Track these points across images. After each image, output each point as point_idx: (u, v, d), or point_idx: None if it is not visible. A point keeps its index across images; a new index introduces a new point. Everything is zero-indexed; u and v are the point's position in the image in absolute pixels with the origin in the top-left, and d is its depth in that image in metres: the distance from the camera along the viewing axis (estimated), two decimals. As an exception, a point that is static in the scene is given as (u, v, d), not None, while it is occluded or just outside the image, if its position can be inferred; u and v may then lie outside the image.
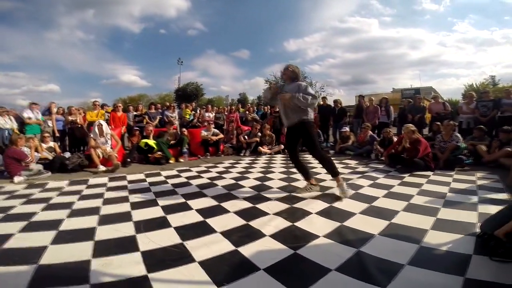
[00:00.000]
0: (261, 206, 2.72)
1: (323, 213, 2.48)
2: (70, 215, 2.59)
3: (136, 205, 2.82)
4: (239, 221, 2.33)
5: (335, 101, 8.27)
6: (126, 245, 1.94)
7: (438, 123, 5.85)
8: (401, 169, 4.36)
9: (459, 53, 70.02)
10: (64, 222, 2.40)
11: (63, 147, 6.95)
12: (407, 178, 3.79)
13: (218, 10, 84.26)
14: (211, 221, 2.34)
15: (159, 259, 1.73)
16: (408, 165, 4.31)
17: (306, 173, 3.25)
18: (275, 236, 2.03)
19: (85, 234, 2.12)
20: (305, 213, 2.48)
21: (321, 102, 8.77)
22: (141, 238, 2.05)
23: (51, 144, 5.81)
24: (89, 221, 2.40)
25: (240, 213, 2.52)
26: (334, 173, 3.03)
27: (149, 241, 2.00)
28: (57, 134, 6.91)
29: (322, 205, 2.70)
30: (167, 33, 72.83)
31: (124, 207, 2.79)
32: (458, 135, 4.92)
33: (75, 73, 71.40)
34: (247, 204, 2.79)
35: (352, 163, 5.21)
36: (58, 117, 7.08)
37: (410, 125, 4.70)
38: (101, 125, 5.32)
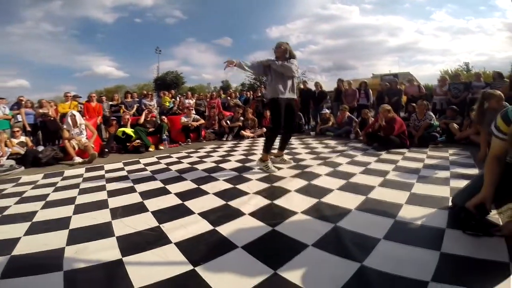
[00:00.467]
0: (242, 186, 2.71)
1: (301, 191, 2.51)
2: (44, 206, 2.50)
3: (113, 193, 2.75)
4: (219, 202, 2.32)
5: (316, 84, 8.29)
6: (101, 231, 1.90)
7: (414, 104, 6.00)
8: (378, 146, 4.47)
9: (435, 41, 71.82)
10: (38, 213, 2.32)
11: (37, 142, 6.64)
12: (384, 155, 3.89)
13: None
14: (189, 203, 2.31)
15: (134, 243, 1.70)
16: (384, 143, 4.43)
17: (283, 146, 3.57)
18: (254, 214, 2.04)
19: (60, 224, 2.06)
20: (284, 191, 2.50)
21: (302, 86, 8.76)
22: (116, 223, 2.01)
23: (23, 138, 5.52)
24: (64, 211, 2.32)
25: (220, 194, 2.51)
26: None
27: (125, 226, 1.96)
28: (28, 128, 6.59)
29: (301, 183, 2.73)
30: (143, 22, 68.50)
31: (101, 195, 2.71)
32: (431, 113, 5.10)
33: (45, 67, 65.79)
34: (227, 185, 2.77)
35: (332, 143, 5.31)
36: (28, 110, 6.72)
37: (386, 104, 4.81)
38: (74, 115, 5.08)
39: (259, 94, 8.65)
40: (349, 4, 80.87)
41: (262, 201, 2.28)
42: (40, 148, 5.40)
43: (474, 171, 2.94)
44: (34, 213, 2.32)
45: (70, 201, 2.59)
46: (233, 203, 2.26)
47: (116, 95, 8.48)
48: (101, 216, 2.17)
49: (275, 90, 3.16)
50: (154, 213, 2.17)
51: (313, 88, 8.43)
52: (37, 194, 2.90)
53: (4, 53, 58.33)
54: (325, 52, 74.59)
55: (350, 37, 75.87)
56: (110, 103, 7.71)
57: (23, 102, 7.12)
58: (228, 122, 7.00)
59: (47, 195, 2.85)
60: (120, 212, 2.23)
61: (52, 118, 6.53)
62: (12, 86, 52.39)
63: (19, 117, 6.58)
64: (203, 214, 2.08)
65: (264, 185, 2.71)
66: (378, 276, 1.27)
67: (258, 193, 2.49)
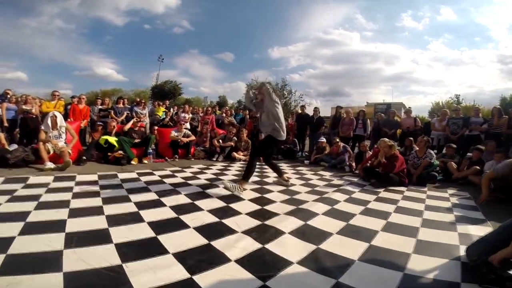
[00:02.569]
0: (229, 221, 2.34)
1: (297, 233, 2.17)
2: None
3: (75, 212, 2.33)
4: (200, 240, 1.94)
5: (315, 109, 8.10)
6: (46, 262, 1.53)
7: (411, 138, 5.88)
8: (376, 183, 4.23)
9: (429, 71, 74.29)
10: None
11: (12, 139, 6.14)
12: (383, 194, 3.67)
13: (207, 9, 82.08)
14: (164, 238, 1.92)
15: (84, 284, 1.35)
16: (383, 180, 4.20)
17: (278, 172, 3.92)
18: (241, 261, 1.68)
19: None
20: (277, 232, 2.15)
21: (299, 111, 8.62)
22: (69, 254, 1.62)
23: (-4, 134, 5.04)
24: (10, 229, 1.92)
25: (202, 230, 2.13)
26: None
27: (78, 259, 1.57)
28: (5, 124, 6.11)
29: (296, 223, 2.39)
30: (152, 29, 69.38)
31: (60, 213, 2.29)
32: (432, 152, 4.93)
33: (47, 62, 64.93)
34: (212, 218, 2.39)
35: (327, 174, 5.03)
36: (10, 106, 6.29)
37: (387, 139, 4.61)
38: (55, 116, 4.67)
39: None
40: (351, 31, 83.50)
41: (252, 245, 1.91)
42: (13, 146, 4.92)
43: (478, 214, 2.88)
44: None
45: (21, 216, 2.18)
46: (218, 244, 1.89)
47: (107, 99, 8.12)
48: (53, 242, 1.78)
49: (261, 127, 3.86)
50: (119, 246, 1.77)
51: (311, 113, 8.26)
52: (-16, 203, 2.47)
53: (12, 44, 57.75)
54: (323, 77, 76.21)
55: (349, 63, 77.97)
56: (100, 107, 7.34)
57: (8, 96, 6.71)
58: (220, 141, 6.67)
59: (-3, 205, 2.42)
60: (77, 239, 1.83)
61: (34, 116, 6.09)
62: (9, 77, 51.13)
63: (-1, 111, 6.14)
64: (180, 256, 1.69)
65: (255, 222, 2.35)
66: None
67: (248, 232, 2.12)
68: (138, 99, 8.69)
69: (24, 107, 6.11)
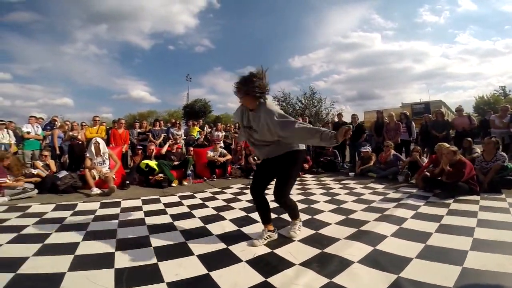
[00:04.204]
0: (281, 251, 2.07)
1: (368, 261, 1.85)
2: (38, 253, 2.06)
3: (123, 244, 2.23)
4: (255, 277, 1.70)
5: (353, 116, 7.53)
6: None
7: (469, 139, 5.25)
8: (442, 194, 3.71)
9: (463, 64, 68.71)
10: (26, 262, 1.89)
11: (61, 165, 6.51)
12: (454, 205, 3.21)
13: (224, 27, 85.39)
14: (216, 275, 1.71)
15: None
16: (451, 190, 3.67)
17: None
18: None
19: (47, 283, 1.62)
20: (343, 262, 1.85)
21: (336, 119, 8.20)
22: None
23: (48, 162, 5.34)
24: (59, 263, 1.88)
25: (255, 263, 1.88)
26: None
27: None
28: (58, 152, 6.52)
29: (362, 248, 2.06)
30: (176, 50, 73.62)
31: (108, 245, 2.20)
32: (503, 154, 4.28)
33: (88, 87, 72.02)
34: (262, 248, 2.13)
35: (379, 187, 4.53)
36: (60, 133, 6.71)
37: (447, 144, 4.10)
38: (98, 143, 4.84)
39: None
40: (371, 32, 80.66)
41: (316, 279, 1.63)
42: (63, 173, 5.17)
43: None
44: (22, 260, 1.90)
45: (70, 248, 2.14)
46: (275, 281, 1.63)
47: (145, 122, 8.41)
48: (102, 280, 1.67)
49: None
50: (171, 285, 1.59)
51: (349, 121, 7.74)
52: (36, 233, 2.51)
53: (55, 70, 64.68)
54: (349, 82, 74.01)
55: (374, 65, 75.03)
56: (138, 130, 7.60)
57: (56, 123, 7.18)
58: (256, 158, 6.48)
59: (48, 235, 2.43)
60: (127, 277, 1.70)
61: (80, 142, 6.42)
62: (58, 103, 57.44)
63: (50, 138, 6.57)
64: (237, 298, 1.48)
65: (312, 251, 2.06)
66: None
67: (307, 264, 1.84)
68: (174, 120, 8.88)
69: (71, 133, 6.47)
